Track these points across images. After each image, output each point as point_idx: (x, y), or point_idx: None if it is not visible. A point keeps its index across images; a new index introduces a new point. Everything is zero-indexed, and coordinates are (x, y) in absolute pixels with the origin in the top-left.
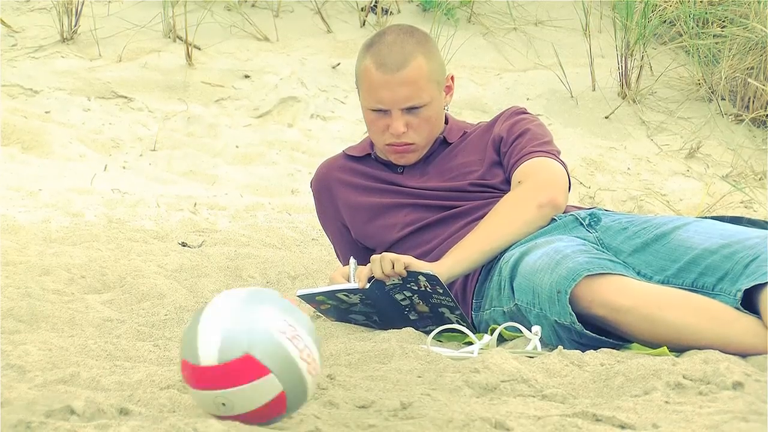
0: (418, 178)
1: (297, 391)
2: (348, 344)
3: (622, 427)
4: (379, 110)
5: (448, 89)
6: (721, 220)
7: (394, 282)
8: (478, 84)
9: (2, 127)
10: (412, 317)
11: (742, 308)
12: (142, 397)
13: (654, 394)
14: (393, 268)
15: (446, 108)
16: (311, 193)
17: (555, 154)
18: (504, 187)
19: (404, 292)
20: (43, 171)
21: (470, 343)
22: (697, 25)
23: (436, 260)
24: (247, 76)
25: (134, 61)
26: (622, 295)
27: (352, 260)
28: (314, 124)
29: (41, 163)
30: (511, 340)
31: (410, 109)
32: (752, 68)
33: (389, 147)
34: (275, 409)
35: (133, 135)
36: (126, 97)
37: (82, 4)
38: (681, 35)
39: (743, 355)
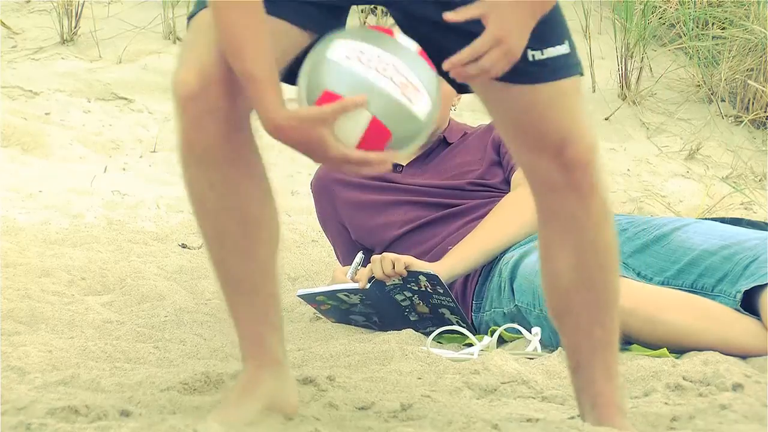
0: (417, 176)
1: (392, 116)
2: (348, 345)
3: None
4: None
5: None
6: (721, 222)
7: (394, 282)
8: None
9: (2, 128)
10: (412, 318)
11: (741, 309)
12: (142, 399)
13: (654, 396)
14: (393, 268)
15: (453, 107)
16: (311, 194)
17: None
18: (503, 187)
19: (404, 292)
20: (43, 172)
21: (470, 345)
22: (697, 27)
23: (435, 259)
24: None
25: (134, 63)
26: (621, 296)
27: (359, 255)
28: None
29: (41, 165)
30: (511, 341)
31: None
32: (752, 70)
33: None
34: (378, 141)
35: (133, 136)
36: (126, 99)
37: (82, 5)
38: (681, 37)
39: (743, 357)
